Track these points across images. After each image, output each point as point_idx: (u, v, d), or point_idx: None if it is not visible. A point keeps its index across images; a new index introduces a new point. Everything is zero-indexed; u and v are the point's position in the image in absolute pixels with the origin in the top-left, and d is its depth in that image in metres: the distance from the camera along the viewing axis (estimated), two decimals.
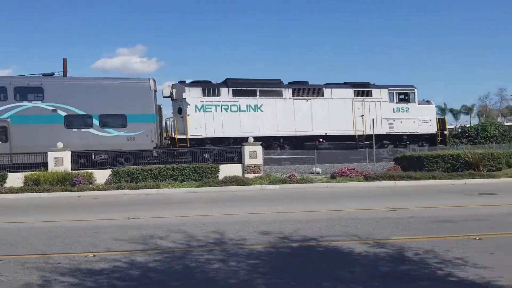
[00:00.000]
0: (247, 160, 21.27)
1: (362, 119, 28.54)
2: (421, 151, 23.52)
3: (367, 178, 19.22)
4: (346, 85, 29.51)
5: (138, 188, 18.17)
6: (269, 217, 11.09)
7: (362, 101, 28.92)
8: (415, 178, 18.79)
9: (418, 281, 5.89)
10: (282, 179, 19.46)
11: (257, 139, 22.96)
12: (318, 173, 21.77)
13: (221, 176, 19.98)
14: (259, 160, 21.46)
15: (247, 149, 21.41)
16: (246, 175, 20.63)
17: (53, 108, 23.20)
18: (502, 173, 20.01)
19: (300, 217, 11.02)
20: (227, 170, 20.56)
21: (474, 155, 20.86)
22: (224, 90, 26.55)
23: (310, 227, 9.64)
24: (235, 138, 26.01)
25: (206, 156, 23.39)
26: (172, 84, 27.16)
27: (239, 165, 21.45)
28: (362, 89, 29.34)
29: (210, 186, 18.41)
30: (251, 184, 18.91)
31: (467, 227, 9.33)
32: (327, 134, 27.81)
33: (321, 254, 7.54)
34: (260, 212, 12.06)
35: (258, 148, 21.57)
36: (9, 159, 21.39)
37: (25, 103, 23.01)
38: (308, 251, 7.75)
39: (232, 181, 18.93)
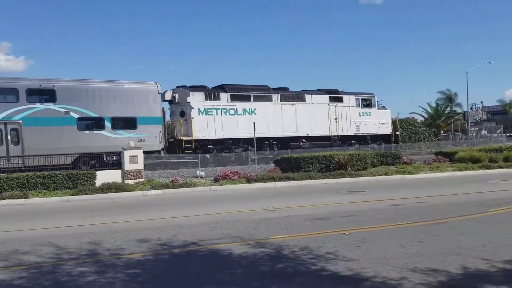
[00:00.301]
0: (127, 166, 20.43)
1: (336, 121, 32.40)
2: (298, 153, 24.86)
3: (249, 180, 19.70)
4: (321, 91, 32.98)
5: (3, 199, 16.37)
6: (149, 223, 10.76)
7: (335, 106, 32.66)
8: (293, 179, 19.75)
9: (294, 278, 6.16)
10: (164, 184, 19.05)
11: (251, 140, 25.52)
12: (201, 177, 21.75)
13: (98, 183, 18.88)
14: (140, 165, 20.75)
15: (127, 154, 20.57)
16: (126, 181, 19.79)
17: (65, 110, 23.42)
18: (368, 172, 21.98)
19: (182, 222, 10.88)
20: (105, 176, 19.50)
21: (343, 156, 22.62)
22: (223, 95, 28.50)
23: (192, 231, 9.57)
24: (233, 140, 28.33)
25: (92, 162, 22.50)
26: (174, 89, 28.23)
27: (119, 171, 20.51)
28: (335, 96, 33.13)
29: (86, 194, 17.29)
30: (131, 190, 18.20)
31: (338, 223, 10.04)
32: (309, 135, 31.07)
33: (202, 258, 7.51)
34: (140, 219, 11.64)
35: (139, 153, 20.86)
36: (21, 162, 21.38)
37: (37, 105, 22.99)
38: (189, 256, 7.67)
39: (110, 187, 18.01)
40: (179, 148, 26.58)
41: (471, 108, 74.93)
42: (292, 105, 30.82)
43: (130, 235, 9.40)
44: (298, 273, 6.36)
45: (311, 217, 10.97)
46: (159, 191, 18.12)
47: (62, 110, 23.38)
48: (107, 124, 24.26)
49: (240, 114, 28.73)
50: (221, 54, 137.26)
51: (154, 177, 21.48)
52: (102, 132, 24.12)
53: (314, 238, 8.48)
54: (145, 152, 22.35)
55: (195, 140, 26.94)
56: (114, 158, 21.98)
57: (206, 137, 27.54)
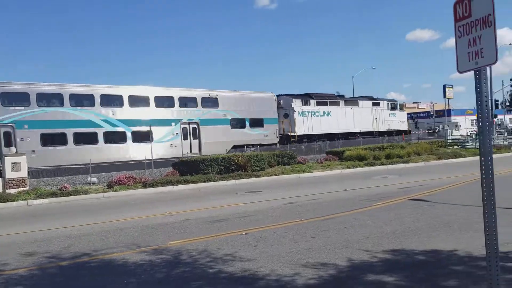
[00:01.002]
0: (9, 174, 18.65)
1: (376, 121, 42.33)
2: (197, 156, 24.68)
3: (145, 185, 19.12)
4: (365, 98, 42.85)
5: None
6: (36, 235, 9.94)
7: (375, 109, 42.60)
8: (192, 182, 19.58)
9: (191, 282, 6.10)
10: (52, 192, 17.72)
11: (328, 135, 37.10)
12: (94, 183, 20.60)
13: None
14: (23, 173, 19.06)
15: (8, 160, 18.79)
16: (8, 191, 18.07)
17: (224, 113, 31.55)
18: (265, 173, 22.56)
19: (71, 232, 10.20)
20: None
21: (242, 157, 22.96)
22: (312, 101, 37.75)
23: (83, 242, 9.02)
24: (318, 135, 37.18)
25: None
26: (279, 95, 36.43)
27: None
28: (375, 101, 43.08)
29: None
30: (14, 200, 16.63)
31: (236, 224, 10.16)
32: (361, 131, 40.23)
33: (94, 269, 7.11)
34: (26, 231, 10.68)
35: (23, 159, 19.15)
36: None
37: (207, 109, 30.90)
38: (79, 268, 7.21)
39: None
40: (287, 141, 34.05)
41: None
42: (351, 108, 40.42)
43: (13, 249, 8.60)
44: (196, 277, 6.30)
45: (210, 219, 10.96)
46: (46, 200, 16.81)
47: (222, 113, 31.31)
48: (247, 123, 32.60)
49: (322, 116, 37.98)
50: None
51: (40, 185, 19.91)
52: (244, 130, 32.37)
53: (212, 241, 8.48)
54: (266, 145, 31.23)
55: (297, 135, 36.18)
56: (252, 149, 29.36)
57: (303, 133, 36.60)
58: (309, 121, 36.99)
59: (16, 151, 19.75)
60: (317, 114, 37.77)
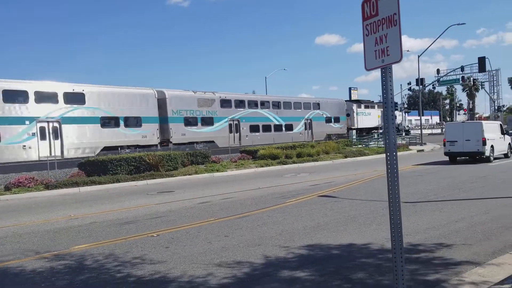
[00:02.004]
0: None
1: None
2: (105, 156, 23.52)
3: (48, 186, 17.82)
4: (379, 103, 52.85)
5: None
6: None
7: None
8: (100, 183, 18.61)
9: None
10: None
11: (365, 129, 50.17)
12: None
13: None
14: None
15: None
16: None
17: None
18: (179, 172, 22.12)
19: None
20: None
21: (154, 156, 22.30)
22: (361, 105, 50.50)
23: None
24: (365, 129, 50.13)
25: None
26: (346, 101, 49.72)
27: None
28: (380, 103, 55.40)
29: None
30: None
31: (147, 226, 9.77)
32: (378, 127, 51.01)
33: None
34: None
35: None
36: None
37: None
38: None
39: None
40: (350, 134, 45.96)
41: None
42: (378, 109, 51.67)
43: None
44: (102, 283, 5.91)
45: (118, 221, 10.44)
46: None
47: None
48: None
49: (366, 115, 50.57)
50: None
51: None
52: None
53: (120, 244, 8.05)
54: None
55: (356, 128, 48.18)
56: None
57: (359, 127, 48.83)
58: (361, 119, 49.88)
59: None
60: (364, 114, 50.52)
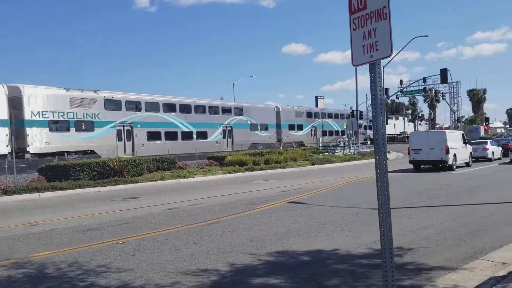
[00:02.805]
0: None
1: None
2: (67, 160, 22.71)
3: (6, 192, 16.99)
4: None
5: None
6: None
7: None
8: (61, 188, 17.91)
9: None
10: None
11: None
12: None
13: None
14: None
15: None
16: None
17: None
18: (144, 178, 21.59)
19: None
20: None
21: (118, 162, 21.68)
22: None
23: None
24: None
25: None
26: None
27: None
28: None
29: None
30: None
31: (112, 233, 9.38)
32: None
33: None
34: None
35: None
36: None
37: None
38: None
39: None
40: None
41: None
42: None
43: None
44: None
45: (81, 228, 9.99)
46: None
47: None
48: None
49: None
50: None
51: None
52: None
53: (84, 251, 7.66)
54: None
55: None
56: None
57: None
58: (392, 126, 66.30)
59: None
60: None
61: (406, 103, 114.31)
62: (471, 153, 26.21)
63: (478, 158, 29.25)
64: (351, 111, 55.35)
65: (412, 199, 13.17)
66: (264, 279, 5.85)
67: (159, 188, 19.17)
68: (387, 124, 52.15)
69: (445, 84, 62.19)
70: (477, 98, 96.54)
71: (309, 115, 51.00)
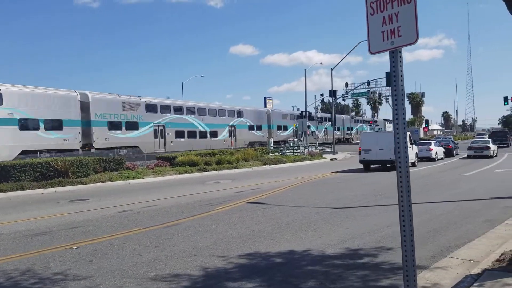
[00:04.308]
0: None
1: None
2: (7, 161, 21.20)
3: None
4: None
5: None
6: None
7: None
8: (1, 191, 16.65)
9: None
10: None
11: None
12: None
13: None
14: None
15: None
16: None
17: None
18: (91, 179, 20.56)
19: None
20: None
21: (63, 162, 20.52)
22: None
23: None
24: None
25: None
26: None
27: None
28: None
29: None
30: None
31: (64, 237, 8.73)
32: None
33: None
34: None
35: None
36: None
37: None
38: None
39: None
40: None
41: None
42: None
43: None
44: None
45: (29, 232, 9.24)
46: None
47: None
48: None
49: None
50: None
51: None
52: None
53: (35, 258, 7.03)
54: None
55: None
56: None
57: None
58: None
59: None
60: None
61: (350, 105, 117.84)
62: (416, 153, 27.21)
63: (423, 158, 30.43)
64: (299, 112, 56.06)
65: (369, 198, 13.37)
66: (238, 283, 5.59)
67: (107, 190, 18.29)
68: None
69: (388, 87, 64.63)
70: (416, 101, 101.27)
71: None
